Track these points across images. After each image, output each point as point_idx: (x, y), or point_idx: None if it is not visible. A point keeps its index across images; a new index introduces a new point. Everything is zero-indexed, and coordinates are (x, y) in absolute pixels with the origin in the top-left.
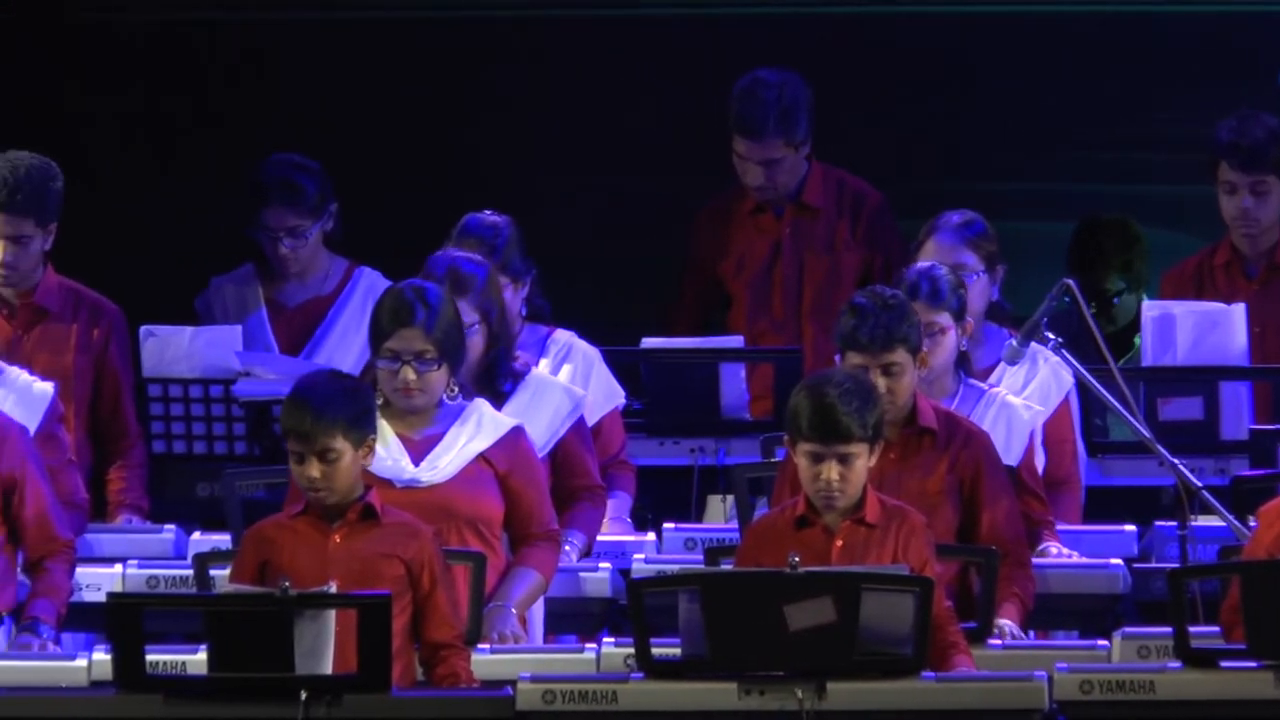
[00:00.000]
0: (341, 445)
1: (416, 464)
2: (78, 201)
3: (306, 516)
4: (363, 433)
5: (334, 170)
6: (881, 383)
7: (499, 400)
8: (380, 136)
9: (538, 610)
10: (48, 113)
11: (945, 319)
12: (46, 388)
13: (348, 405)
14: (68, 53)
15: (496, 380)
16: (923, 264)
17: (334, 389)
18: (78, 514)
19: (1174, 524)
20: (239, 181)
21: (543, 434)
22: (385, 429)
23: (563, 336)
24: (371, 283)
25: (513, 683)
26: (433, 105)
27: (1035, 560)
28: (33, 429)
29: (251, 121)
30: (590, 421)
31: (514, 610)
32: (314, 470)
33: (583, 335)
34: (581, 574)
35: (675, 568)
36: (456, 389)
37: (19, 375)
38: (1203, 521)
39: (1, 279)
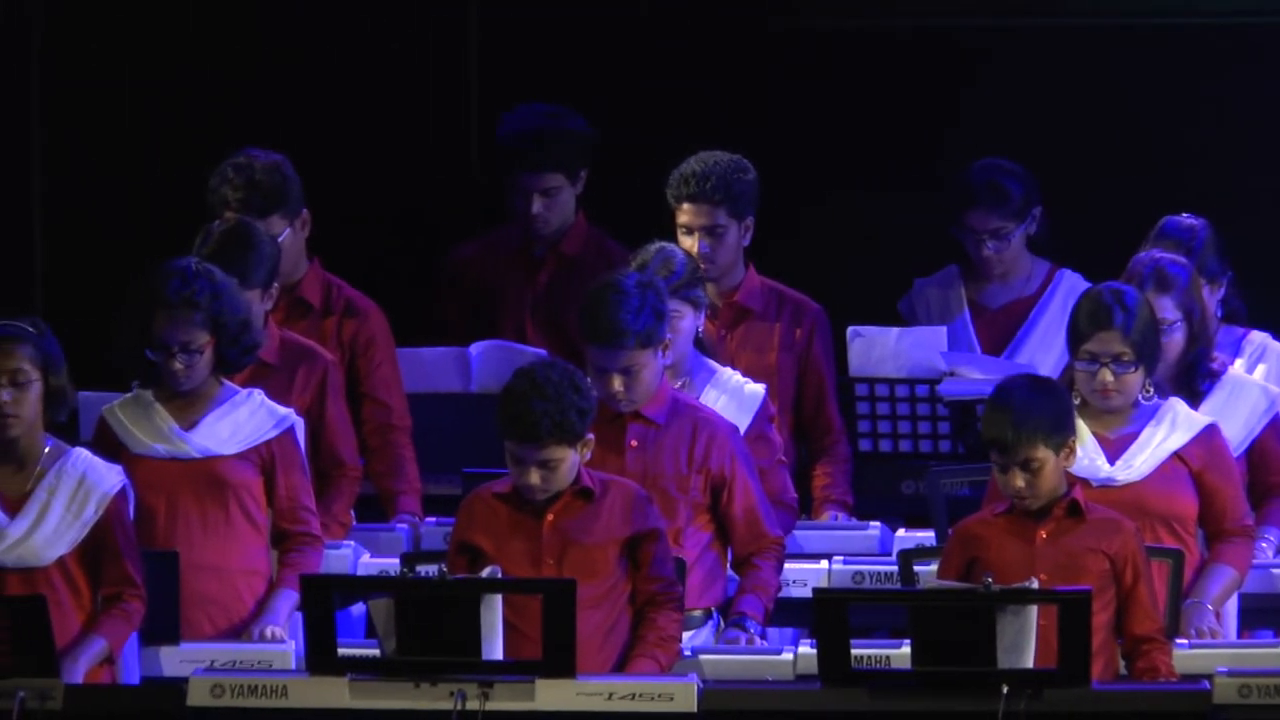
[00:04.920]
0: (1043, 454)
1: (1112, 463)
2: (784, 204)
3: (1013, 514)
4: (1063, 437)
5: (1039, 173)
6: None
7: (1196, 399)
8: (1084, 139)
9: (1231, 605)
10: (754, 117)
11: None
12: (758, 389)
13: (1045, 414)
14: (773, 58)
15: (1195, 380)
16: None
17: (1031, 398)
18: (786, 512)
19: None
20: (941, 184)
21: (1239, 432)
22: (1082, 428)
23: (1258, 337)
24: (1072, 285)
25: (1209, 677)
26: (1135, 108)
27: None
28: (743, 429)
29: (950, 124)
30: None
31: (1210, 606)
32: (1017, 480)
33: (1277, 336)
34: (1274, 570)
35: None
36: (1151, 389)
37: (731, 376)
38: None
39: (702, 272)
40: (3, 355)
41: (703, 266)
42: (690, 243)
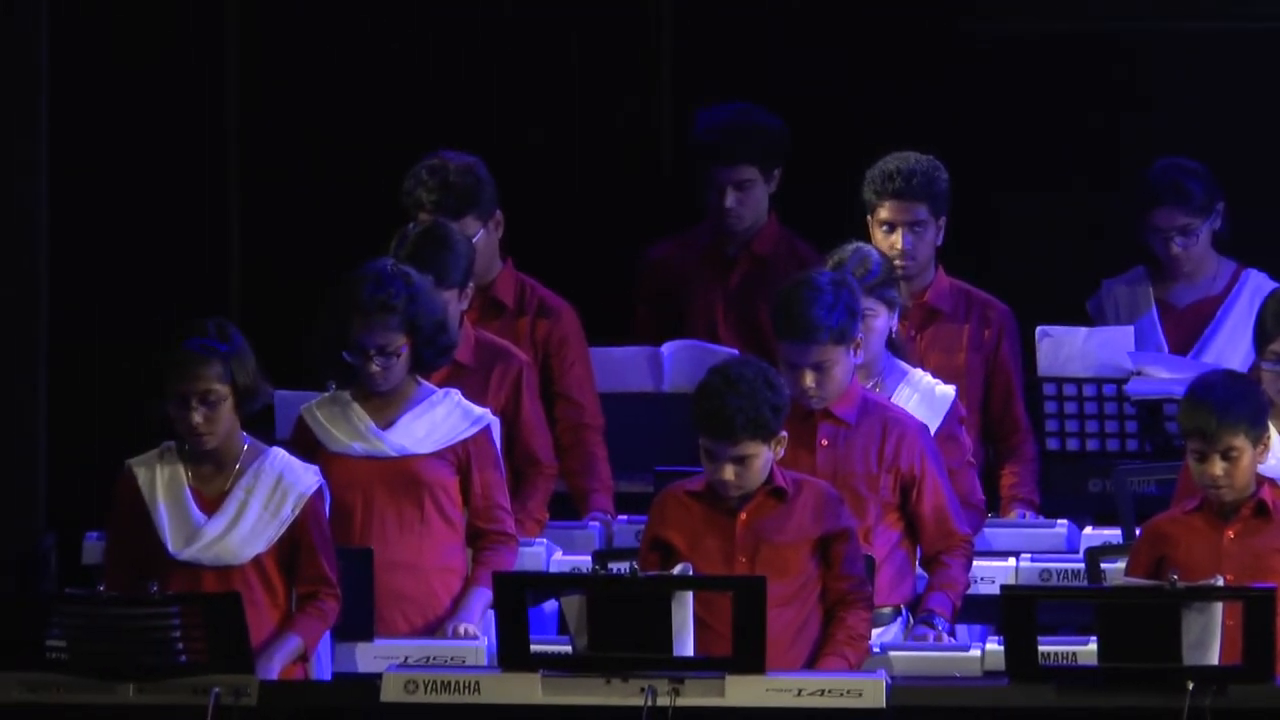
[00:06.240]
0: (1242, 444)
1: None
2: (974, 205)
3: (1201, 512)
4: (1260, 431)
5: (1222, 173)
6: None
7: None
8: (1268, 140)
9: None
10: (947, 118)
11: None
12: (948, 390)
13: (1246, 405)
14: (960, 60)
15: None
16: None
17: (1232, 390)
18: (974, 514)
19: None
20: (1124, 187)
21: None
22: (1269, 428)
23: None
24: (1258, 284)
25: None
26: None
27: None
28: (933, 430)
29: (1137, 126)
30: None
31: None
32: (1216, 469)
33: None
34: None
35: None
36: None
37: (923, 377)
38: None
39: (902, 269)
40: (193, 379)
41: (902, 264)
42: (891, 240)
